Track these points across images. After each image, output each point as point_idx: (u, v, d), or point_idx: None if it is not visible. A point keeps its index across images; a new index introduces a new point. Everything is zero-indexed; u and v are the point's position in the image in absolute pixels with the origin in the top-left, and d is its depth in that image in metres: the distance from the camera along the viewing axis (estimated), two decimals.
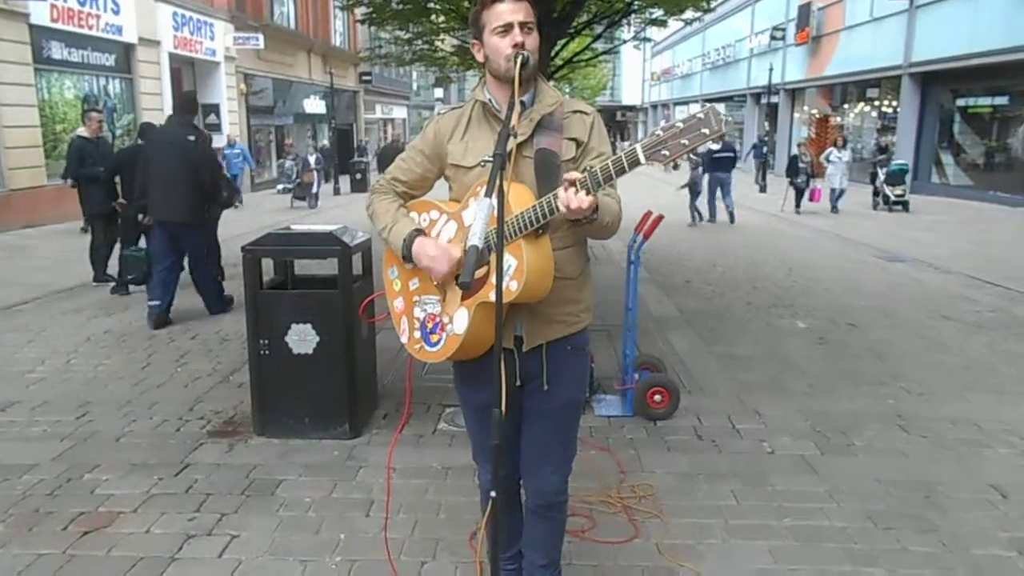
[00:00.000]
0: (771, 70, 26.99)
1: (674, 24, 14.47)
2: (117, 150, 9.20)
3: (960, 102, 19.43)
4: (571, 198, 1.82)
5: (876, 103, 23.13)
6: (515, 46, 1.99)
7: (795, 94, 28.88)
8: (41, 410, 4.47)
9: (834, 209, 15.76)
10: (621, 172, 1.82)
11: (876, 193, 16.47)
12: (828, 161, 16.12)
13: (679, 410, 4.35)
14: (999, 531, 3.12)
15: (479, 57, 2.12)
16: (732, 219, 14.36)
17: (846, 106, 25.72)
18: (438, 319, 2.13)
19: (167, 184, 6.24)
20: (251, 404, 4.09)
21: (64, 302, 7.42)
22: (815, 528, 3.14)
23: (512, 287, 1.93)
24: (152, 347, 5.82)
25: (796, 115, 29.09)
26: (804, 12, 25.75)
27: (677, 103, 45.15)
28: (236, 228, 10.64)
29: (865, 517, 3.22)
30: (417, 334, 2.19)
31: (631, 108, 58.50)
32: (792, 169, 15.98)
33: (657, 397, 4.30)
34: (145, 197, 6.49)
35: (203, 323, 6.55)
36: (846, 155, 16.26)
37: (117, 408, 4.49)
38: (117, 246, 7.84)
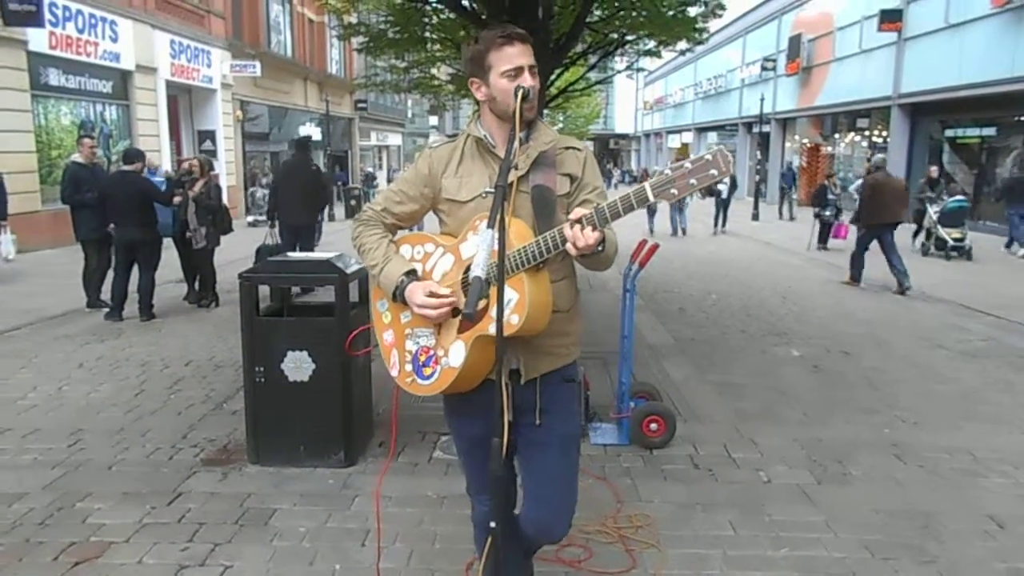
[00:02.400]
0: (762, 100, 27.29)
1: (667, 54, 14.69)
2: (104, 176, 9.17)
3: (949, 133, 19.71)
4: (578, 235, 1.84)
5: (866, 133, 23.43)
6: (523, 98, 1.99)
7: (786, 123, 29.26)
8: (32, 437, 4.43)
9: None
10: (629, 209, 1.85)
11: (927, 236, 13.57)
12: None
13: (675, 438, 4.34)
14: (997, 562, 3.11)
15: (479, 95, 2.13)
16: (683, 232, 17.33)
17: (837, 136, 26.05)
18: (432, 352, 2.11)
19: (296, 198, 8.78)
20: (245, 432, 4.07)
21: (57, 328, 7.38)
22: (813, 559, 3.12)
23: (513, 320, 1.94)
24: (145, 374, 5.79)
25: (788, 144, 29.44)
26: (794, 44, 26.20)
27: (670, 131, 45.61)
28: (232, 254, 10.64)
29: (863, 547, 3.21)
30: (408, 367, 2.17)
31: (624, 136, 59.06)
32: (820, 200, 14.41)
33: (653, 426, 4.30)
34: (276, 208, 9.09)
35: (197, 349, 6.53)
36: None
37: (109, 436, 4.45)
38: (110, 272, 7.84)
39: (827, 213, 14.19)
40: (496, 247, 1.83)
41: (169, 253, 8.66)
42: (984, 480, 3.96)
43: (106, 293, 8.02)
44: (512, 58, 2.03)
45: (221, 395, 5.24)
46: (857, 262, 10.34)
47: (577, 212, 1.88)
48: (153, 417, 4.81)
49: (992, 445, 4.43)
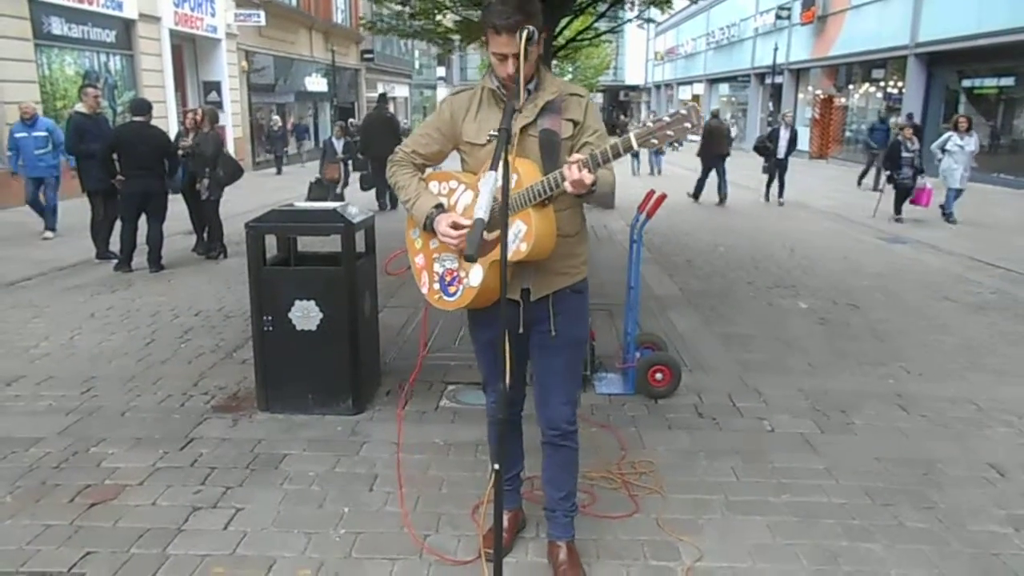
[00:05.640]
0: (776, 50, 26.82)
1: (679, 3, 14.34)
2: (115, 127, 9.14)
3: (966, 83, 19.31)
4: (575, 172, 2.11)
5: (881, 84, 22.97)
6: (508, 76, 2.28)
7: (799, 74, 28.70)
8: (46, 385, 4.51)
9: (949, 217, 11.63)
10: (617, 155, 2.14)
11: None
12: (944, 151, 11.71)
13: (680, 388, 4.37)
14: (996, 508, 3.15)
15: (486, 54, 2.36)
16: (659, 172, 20.45)
17: (851, 87, 25.56)
18: (456, 273, 2.45)
19: (380, 138, 12.02)
20: (255, 380, 4.12)
21: (67, 279, 7.44)
22: (814, 504, 3.17)
23: (522, 248, 2.25)
24: (155, 324, 5.85)
25: (800, 96, 28.92)
26: None
27: (681, 83, 44.85)
28: (239, 206, 10.64)
29: (863, 494, 3.25)
30: (436, 286, 2.51)
31: (634, 88, 58.08)
32: (892, 160, 11.70)
33: (658, 375, 4.33)
34: (366, 149, 12.91)
35: (207, 300, 6.58)
36: (971, 143, 11.62)
37: (122, 383, 4.52)
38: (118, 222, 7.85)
39: (901, 176, 11.56)
40: (499, 189, 2.03)
41: (178, 205, 8.67)
42: (987, 429, 3.98)
43: (114, 244, 8.05)
44: (498, 46, 2.27)
45: (231, 344, 5.30)
46: (699, 185, 14.46)
47: (575, 157, 2.16)
48: (164, 366, 4.88)
49: (996, 395, 4.44)
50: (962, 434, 3.92)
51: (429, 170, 2.61)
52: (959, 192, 11.69)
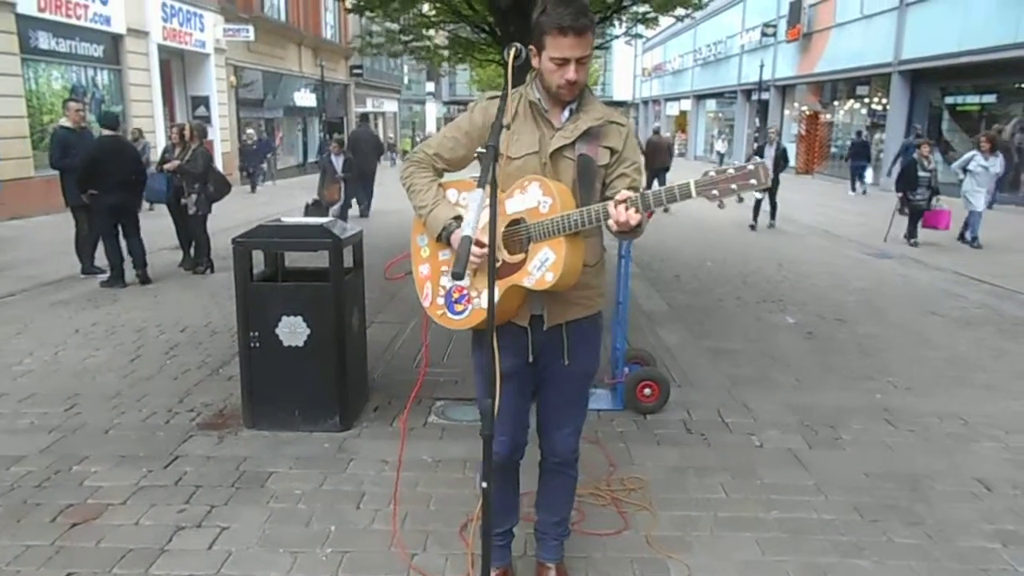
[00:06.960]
0: (762, 67, 27.09)
1: (666, 20, 14.45)
2: (94, 141, 9.03)
3: (949, 100, 19.57)
4: (622, 214, 2.01)
5: (866, 100, 23.24)
6: (568, 82, 2.14)
7: (785, 91, 29.01)
8: (29, 402, 4.45)
9: (974, 241, 11.04)
10: (672, 200, 2.01)
11: None
12: (966, 171, 10.96)
13: (669, 404, 4.37)
14: (984, 523, 3.16)
15: (534, 62, 2.21)
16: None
17: (836, 103, 25.85)
18: (465, 292, 2.29)
19: (365, 152, 13.72)
20: (241, 396, 4.08)
21: (52, 294, 7.37)
22: (802, 520, 3.16)
23: (548, 278, 2.13)
24: (141, 339, 5.79)
25: (786, 112, 29.21)
26: (795, 9, 25.85)
27: (668, 99, 45.19)
28: (225, 221, 10.61)
29: (852, 509, 3.25)
30: (440, 300, 2.35)
31: (622, 104, 58.42)
32: (908, 180, 11.10)
33: (647, 391, 4.32)
34: (353, 164, 12.50)
35: (193, 315, 6.53)
36: (996, 164, 10.92)
37: (106, 400, 4.47)
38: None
39: (917, 197, 10.98)
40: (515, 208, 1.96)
41: (164, 220, 8.62)
42: (974, 444, 4.00)
43: (99, 260, 7.99)
44: (563, 48, 2.11)
45: (217, 360, 5.25)
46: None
47: (623, 194, 2.03)
48: (149, 382, 4.83)
49: (983, 410, 4.46)
50: (949, 449, 3.93)
51: (449, 176, 2.44)
52: (978, 215, 11.02)
